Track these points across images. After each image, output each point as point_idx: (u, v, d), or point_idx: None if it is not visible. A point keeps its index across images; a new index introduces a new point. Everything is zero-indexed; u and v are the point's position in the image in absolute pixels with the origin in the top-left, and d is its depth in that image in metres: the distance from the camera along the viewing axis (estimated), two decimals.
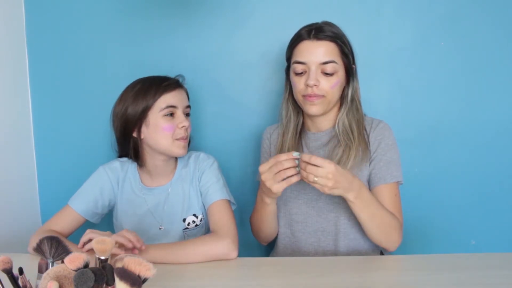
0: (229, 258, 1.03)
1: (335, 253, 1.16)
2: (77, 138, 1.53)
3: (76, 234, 1.15)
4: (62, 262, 0.64)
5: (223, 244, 1.03)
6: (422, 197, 1.48)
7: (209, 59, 1.47)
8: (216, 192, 1.18)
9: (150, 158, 1.20)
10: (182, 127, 1.15)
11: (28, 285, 0.68)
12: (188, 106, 1.21)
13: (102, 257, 0.66)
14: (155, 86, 1.14)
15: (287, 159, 0.95)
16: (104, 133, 1.47)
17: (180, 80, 1.22)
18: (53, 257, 0.69)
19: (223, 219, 1.12)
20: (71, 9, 1.48)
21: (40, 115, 1.53)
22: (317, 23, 1.13)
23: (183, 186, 1.23)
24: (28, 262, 0.78)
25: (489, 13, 1.41)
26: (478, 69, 1.43)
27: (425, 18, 1.42)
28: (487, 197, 1.48)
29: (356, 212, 1.03)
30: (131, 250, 0.96)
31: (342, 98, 1.17)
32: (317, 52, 1.08)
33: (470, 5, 1.41)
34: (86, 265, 0.63)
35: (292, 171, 0.96)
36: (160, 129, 1.14)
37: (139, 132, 1.16)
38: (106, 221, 1.31)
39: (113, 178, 1.23)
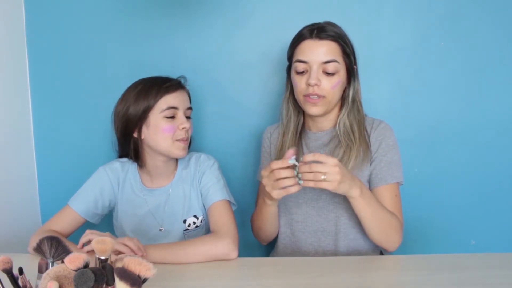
0: (229, 258, 1.03)
1: (335, 253, 1.16)
2: (77, 138, 1.53)
3: (76, 234, 1.15)
4: (62, 262, 0.64)
5: (223, 244, 1.03)
6: (422, 197, 1.48)
7: (209, 59, 1.47)
8: (216, 193, 1.18)
9: (150, 158, 1.20)
10: (182, 128, 1.15)
11: (28, 285, 0.68)
12: (190, 108, 1.20)
13: (102, 257, 0.66)
14: (156, 86, 1.14)
15: (283, 168, 0.94)
16: (104, 133, 1.47)
17: (182, 81, 1.22)
18: (53, 257, 0.69)
19: (223, 219, 1.12)
20: (71, 9, 1.48)
21: (40, 115, 1.53)
22: (319, 23, 1.13)
23: (184, 187, 1.23)
24: (28, 262, 0.78)
25: (489, 13, 1.41)
26: (478, 69, 1.43)
27: (425, 18, 1.42)
28: (487, 197, 1.48)
29: (358, 210, 1.03)
30: None
31: (343, 98, 1.17)
32: (319, 52, 1.08)
33: (470, 5, 1.41)
34: (86, 265, 0.63)
35: (291, 181, 0.95)
36: (160, 130, 1.13)
37: (139, 132, 1.16)
38: (106, 221, 1.31)
39: (113, 179, 1.22)
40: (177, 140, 1.15)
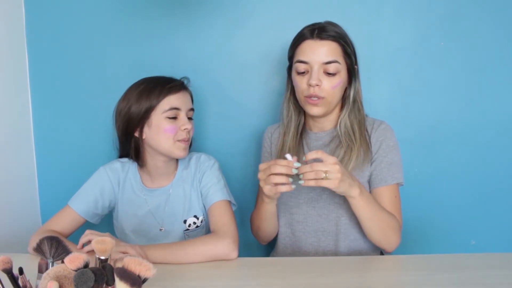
0: (229, 258, 1.03)
1: (336, 253, 1.16)
2: (77, 138, 1.53)
3: (76, 234, 1.15)
4: (62, 262, 0.64)
5: (224, 244, 1.03)
6: (422, 197, 1.48)
7: (209, 59, 1.47)
8: (216, 193, 1.18)
9: (151, 158, 1.20)
10: (184, 129, 1.15)
11: (28, 285, 0.68)
12: (192, 109, 1.20)
13: (102, 257, 0.66)
14: (159, 87, 1.14)
15: (284, 165, 0.95)
16: (104, 133, 1.47)
17: (185, 82, 1.22)
18: (53, 257, 0.69)
19: (223, 219, 1.12)
20: (71, 9, 1.48)
21: (40, 115, 1.53)
22: (320, 23, 1.13)
23: (184, 188, 1.23)
24: (28, 262, 0.78)
25: (489, 13, 1.41)
26: (478, 69, 1.43)
27: (425, 18, 1.42)
28: (487, 197, 1.48)
29: (357, 210, 1.03)
30: None
31: (344, 98, 1.17)
32: (320, 52, 1.08)
33: (470, 5, 1.41)
34: (86, 265, 0.63)
35: (282, 179, 0.95)
36: (162, 131, 1.13)
37: (141, 132, 1.16)
38: (106, 221, 1.31)
39: (114, 179, 1.22)
40: (178, 141, 1.15)
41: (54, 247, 0.70)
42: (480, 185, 1.47)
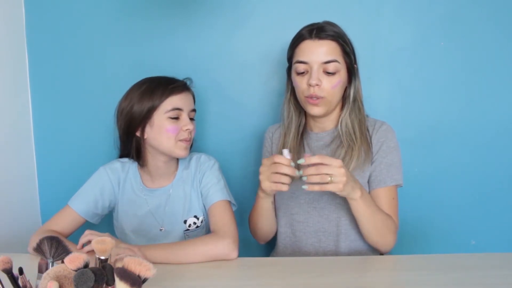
0: (229, 258, 1.03)
1: (336, 253, 1.16)
2: (77, 138, 1.53)
3: (76, 234, 1.15)
4: (62, 262, 0.64)
5: (224, 244, 1.03)
6: (422, 197, 1.48)
7: (209, 59, 1.47)
8: (216, 193, 1.18)
9: (152, 158, 1.20)
10: (186, 130, 1.15)
11: (28, 285, 0.68)
12: (194, 110, 1.20)
13: (102, 257, 0.66)
14: (162, 87, 1.14)
15: (286, 165, 0.95)
16: (104, 133, 1.47)
17: (188, 83, 1.22)
18: (53, 257, 0.69)
19: (223, 219, 1.12)
20: (71, 9, 1.48)
21: (40, 115, 1.53)
22: (318, 23, 1.13)
23: (184, 188, 1.23)
24: (28, 262, 0.78)
25: (489, 13, 1.41)
26: (478, 69, 1.43)
27: (425, 18, 1.42)
28: (487, 197, 1.48)
29: (356, 212, 1.03)
30: None
31: (344, 98, 1.17)
32: (319, 52, 1.08)
33: (470, 5, 1.41)
34: (86, 265, 0.63)
35: (286, 179, 0.96)
36: (164, 130, 1.13)
37: (142, 131, 1.16)
38: (106, 222, 1.31)
39: (114, 179, 1.22)
40: (180, 140, 1.15)
41: (54, 247, 0.70)
42: (480, 185, 1.47)
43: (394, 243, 1.10)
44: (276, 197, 1.24)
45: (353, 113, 1.15)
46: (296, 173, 0.96)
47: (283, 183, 0.96)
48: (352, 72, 1.14)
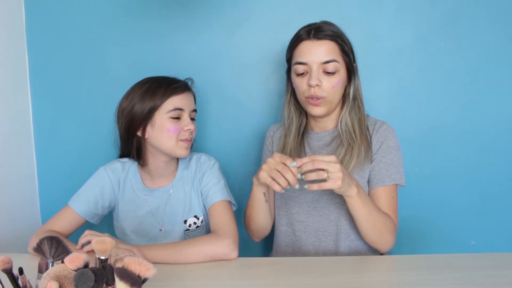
0: (229, 258, 1.03)
1: (336, 253, 1.16)
2: (77, 138, 1.53)
3: (76, 234, 1.15)
4: (62, 262, 0.64)
5: (224, 244, 1.03)
6: (422, 197, 1.48)
7: (209, 59, 1.47)
8: (216, 193, 1.18)
9: (152, 158, 1.20)
10: (187, 130, 1.15)
11: (28, 285, 0.68)
12: (195, 110, 1.21)
13: (102, 257, 0.66)
14: (164, 87, 1.14)
15: (292, 173, 0.96)
16: (104, 133, 1.47)
17: (189, 83, 1.22)
18: (53, 257, 0.69)
19: (223, 219, 1.12)
20: (71, 10, 1.48)
21: (40, 115, 1.53)
22: (315, 23, 1.13)
23: (185, 188, 1.23)
24: (28, 262, 0.78)
25: (489, 13, 1.41)
26: (478, 69, 1.43)
27: (425, 18, 1.42)
28: (487, 197, 1.48)
29: (353, 209, 1.03)
30: None
31: (344, 97, 1.17)
32: (318, 52, 1.08)
33: (470, 5, 1.41)
34: (86, 265, 0.63)
35: (284, 182, 0.97)
36: (165, 131, 1.14)
37: (143, 131, 1.16)
38: (106, 222, 1.31)
39: (114, 179, 1.22)
40: (180, 140, 1.15)
41: (54, 247, 0.70)
42: (480, 185, 1.47)
43: (393, 243, 1.10)
44: (276, 196, 1.24)
45: (353, 112, 1.15)
46: (296, 186, 0.97)
47: (279, 184, 0.97)
48: (351, 71, 1.14)
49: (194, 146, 1.28)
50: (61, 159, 1.54)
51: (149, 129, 1.15)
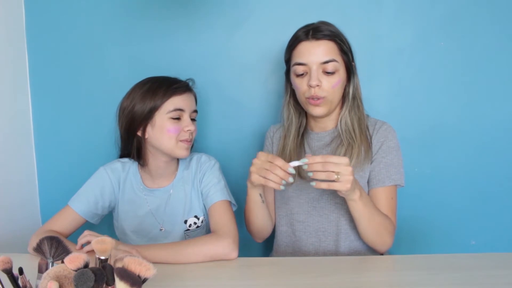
0: (229, 258, 1.03)
1: (336, 253, 1.16)
2: (77, 138, 1.53)
3: (76, 234, 1.15)
4: (62, 262, 0.64)
5: (224, 244, 1.03)
6: (422, 197, 1.48)
7: (209, 59, 1.47)
8: (217, 193, 1.18)
9: (152, 158, 1.20)
10: (187, 130, 1.15)
11: (28, 285, 0.68)
12: (195, 111, 1.21)
13: (102, 257, 0.66)
14: (164, 87, 1.14)
15: (281, 169, 0.95)
16: (104, 133, 1.47)
17: (190, 83, 1.22)
18: (53, 257, 0.69)
19: (223, 219, 1.12)
20: (71, 9, 1.48)
21: (40, 115, 1.53)
22: (313, 24, 1.13)
23: (185, 188, 1.23)
24: (28, 262, 0.78)
25: (489, 13, 1.41)
26: (478, 69, 1.43)
27: (425, 18, 1.42)
28: (487, 197, 1.48)
29: (355, 212, 1.03)
30: None
31: (344, 96, 1.17)
32: (317, 52, 1.08)
33: (470, 5, 1.41)
34: (86, 265, 0.63)
35: (277, 179, 0.96)
36: (165, 131, 1.14)
37: (143, 131, 1.16)
38: (106, 222, 1.31)
39: (114, 179, 1.22)
40: (181, 141, 1.15)
41: (54, 247, 0.70)
42: (480, 185, 1.47)
43: (391, 243, 1.10)
44: (276, 196, 1.24)
45: (352, 111, 1.15)
46: (290, 179, 0.96)
47: (272, 181, 0.97)
48: (350, 70, 1.14)
49: (194, 146, 1.28)
50: (61, 159, 1.54)
51: (149, 129, 1.15)
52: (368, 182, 1.15)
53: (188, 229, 1.22)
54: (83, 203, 1.18)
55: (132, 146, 1.20)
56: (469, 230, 1.50)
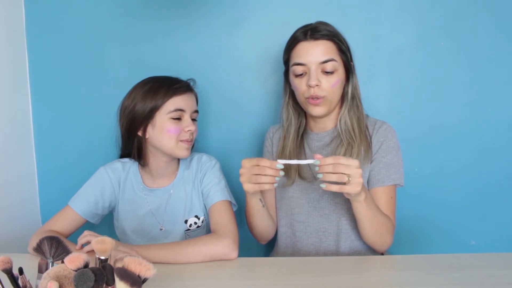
0: (229, 258, 1.03)
1: (336, 253, 1.16)
2: (77, 138, 1.53)
3: (76, 234, 1.15)
4: (62, 262, 0.64)
5: (224, 244, 1.03)
6: (422, 197, 1.48)
7: (209, 59, 1.47)
8: (217, 193, 1.18)
9: (153, 158, 1.20)
10: (188, 131, 1.15)
11: (28, 285, 0.68)
12: (196, 111, 1.20)
13: (102, 257, 0.66)
14: (165, 87, 1.14)
15: (270, 167, 0.95)
16: (104, 133, 1.47)
17: (191, 84, 1.22)
18: (53, 257, 0.69)
19: (223, 219, 1.12)
20: (71, 9, 1.48)
21: (40, 115, 1.53)
22: (311, 24, 1.13)
23: (185, 188, 1.23)
24: (28, 262, 0.78)
25: (489, 13, 1.41)
26: (478, 69, 1.43)
27: (425, 18, 1.42)
28: (487, 197, 1.48)
29: (359, 213, 1.03)
30: None
31: (343, 96, 1.17)
32: (316, 52, 1.08)
33: (470, 5, 1.41)
34: (86, 265, 0.63)
35: (268, 179, 0.96)
36: (165, 131, 1.14)
37: (144, 131, 1.16)
38: (107, 222, 1.31)
39: (114, 179, 1.22)
40: (181, 141, 1.15)
41: (54, 247, 0.70)
42: (480, 185, 1.47)
43: (391, 243, 1.10)
44: (277, 197, 1.24)
45: (351, 111, 1.15)
46: (280, 173, 0.96)
47: (265, 183, 0.97)
48: (349, 69, 1.14)
49: (195, 146, 1.28)
50: (61, 159, 1.54)
51: (149, 129, 1.15)
52: (367, 181, 1.15)
53: (188, 229, 1.22)
54: (83, 203, 1.18)
55: (133, 146, 1.20)
56: (469, 230, 1.50)
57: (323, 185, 0.95)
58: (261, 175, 0.96)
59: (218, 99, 1.49)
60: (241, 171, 1.00)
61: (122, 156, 1.27)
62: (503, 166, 1.46)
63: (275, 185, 0.98)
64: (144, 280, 0.61)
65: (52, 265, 0.70)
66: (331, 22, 1.14)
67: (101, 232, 1.00)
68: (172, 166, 1.24)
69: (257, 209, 1.13)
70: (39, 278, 0.72)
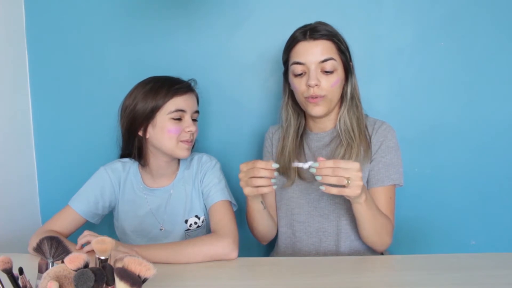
0: (229, 258, 1.03)
1: (336, 253, 1.16)
2: (77, 138, 1.53)
3: (76, 234, 1.15)
4: (62, 262, 0.64)
5: (224, 244, 1.03)
6: (422, 197, 1.48)
7: (209, 59, 1.47)
8: (217, 193, 1.18)
9: (153, 158, 1.20)
10: (188, 131, 1.15)
11: (28, 285, 0.68)
12: (197, 111, 1.20)
13: (102, 257, 0.66)
14: (166, 87, 1.14)
15: (264, 168, 0.95)
16: (104, 133, 1.47)
17: (192, 84, 1.22)
18: (53, 257, 0.69)
19: (224, 219, 1.12)
20: (71, 9, 1.48)
21: (40, 115, 1.53)
22: (310, 24, 1.13)
23: (186, 188, 1.23)
24: (28, 262, 0.78)
25: (489, 13, 1.41)
26: (478, 69, 1.43)
27: (425, 18, 1.42)
28: (487, 197, 1.48)
29: (359, 214, 1.03)
30: None
31: (342, 96, 1.17)
32: (315, 52, 1.08)
33: (470, 5, 1.41)
34: (86, 265, 0.63)
35: (264, 181, 0.96)
36: (166, 131, 1.14)
37: (145, 131, 1.16)
38: (107, 222, 1.31)
39: (114, 179, 1.22)
40: (181, 141, 1.15)
41: (54, 247, 0.70)
42: (480, 185, 1.47)
43: (390, 243, 1.11)
44: (276, 197, 1.24)
45: (351, 111, 1.16)
46: (275, 173, 0.97)
47: (263, 186, 0.97)
48: (348, 69, 1.14)
49: (195, 146, 1.28)
50: (61, 159, 1.54)
51: (150, 129, 1.15)
52: (367, 181, 1.15)
53: (188, 229, 1.22)
54: (83, 203, 1.18)
55: (133, 145, 1.20)
56: (469, 230, 1.50)
57: (322, 187, 0.94)
58: (257, 177, 0.96)
59: (218, 99, 1.49)
60: (240, 175, 1.00)
61: (123, 156, 1.27)
62: (503, 166, 1.46)
63: (275, 187, 0.98)
64: (144, 280, 0.61)
65: (52, 265, 0.70)
66: (331, 22, 1.14)
67: (101, 232, 1.00)
68: (172, 166, 1.24)
69: (258, 210, 1.13)
70: (39, 278, 0.72)
